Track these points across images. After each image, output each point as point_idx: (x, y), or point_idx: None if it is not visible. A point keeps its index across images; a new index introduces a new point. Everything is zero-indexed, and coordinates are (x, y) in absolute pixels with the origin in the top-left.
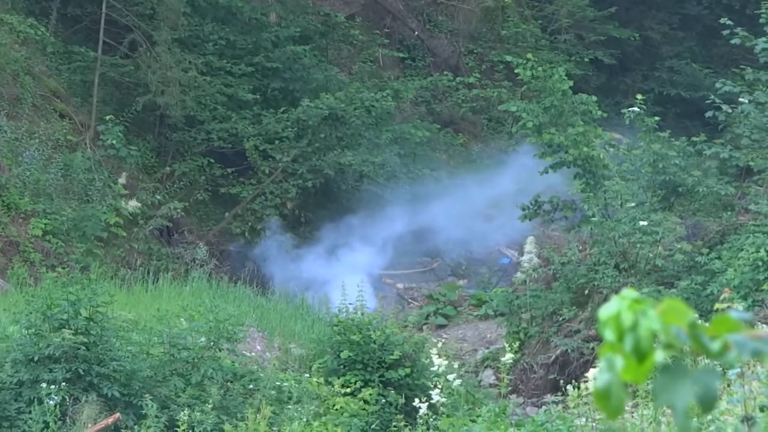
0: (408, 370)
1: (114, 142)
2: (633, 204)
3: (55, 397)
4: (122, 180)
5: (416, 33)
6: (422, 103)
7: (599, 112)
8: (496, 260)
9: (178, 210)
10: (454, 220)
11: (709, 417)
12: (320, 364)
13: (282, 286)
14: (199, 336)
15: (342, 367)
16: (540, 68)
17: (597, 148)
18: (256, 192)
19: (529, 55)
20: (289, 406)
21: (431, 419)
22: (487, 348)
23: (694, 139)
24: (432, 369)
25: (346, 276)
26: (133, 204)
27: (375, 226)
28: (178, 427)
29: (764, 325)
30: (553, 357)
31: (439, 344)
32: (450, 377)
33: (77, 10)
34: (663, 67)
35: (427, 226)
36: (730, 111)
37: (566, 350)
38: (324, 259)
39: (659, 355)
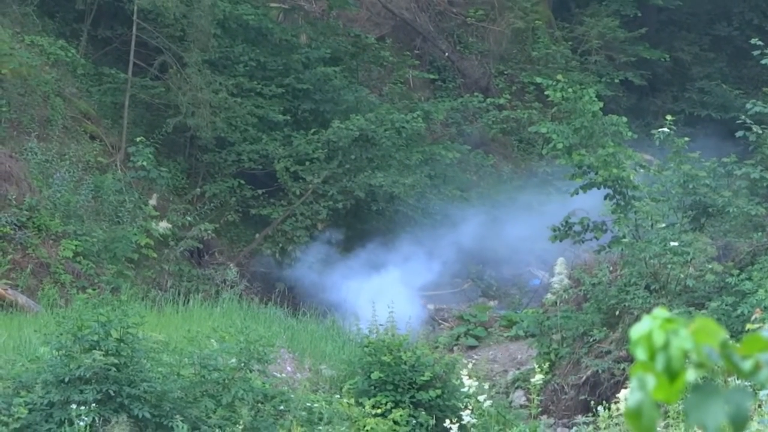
0: (439, 391)
1: (144, 163)
2: (663, 225)
3: (86, 419)
4: (153, 201)
5: (446, 54)
6: (452, 124)
7: (629, 133)
8: (526, 281)
9: (209, 231)
10: (486, 242)
11: None
12: (351, 385)
13: (312, 307)
14: (230, 357)
15: (373, 388)
16: (570, 89)
17: (627, 169)
18: (286, 213)
19: (560, 77)
20: (320, 428)
21: None
22: (518, 369)
23: (725, 159)
24: (463, 390)
25: (377, 296)
26: (163, 225)
27: (406, 247)
28: None
29: None
30: (584, 378)
31: (470, 365)
32: (481, 398)
33: (107, 32)
34: (693, 88)
35: (458, 247)
36: (760, 132)
37: (597, 371)
38: (355, 279)
39: (691, 375)
